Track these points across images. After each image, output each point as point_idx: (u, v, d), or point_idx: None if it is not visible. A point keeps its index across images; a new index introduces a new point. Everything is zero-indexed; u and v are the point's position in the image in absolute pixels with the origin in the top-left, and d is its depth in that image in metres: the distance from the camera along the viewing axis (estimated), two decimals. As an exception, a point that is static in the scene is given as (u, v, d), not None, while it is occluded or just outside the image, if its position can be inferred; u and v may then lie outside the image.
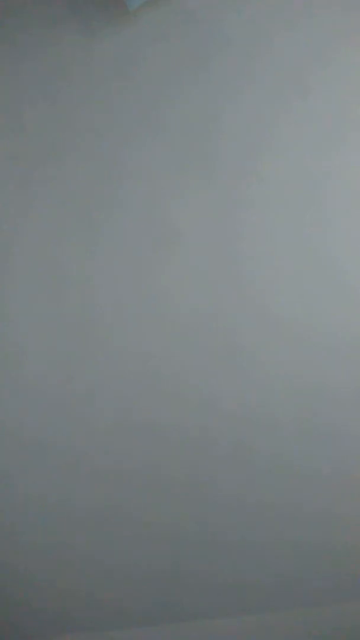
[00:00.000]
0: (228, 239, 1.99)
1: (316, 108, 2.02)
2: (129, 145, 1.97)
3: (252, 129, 2.00)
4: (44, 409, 1.93)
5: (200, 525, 1.97)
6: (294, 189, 2.01)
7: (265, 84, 2.00)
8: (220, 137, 1.99)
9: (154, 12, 1.98)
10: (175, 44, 1.98)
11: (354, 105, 2.03)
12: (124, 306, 1.95)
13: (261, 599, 1.99)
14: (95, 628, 1.94)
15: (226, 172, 1.99)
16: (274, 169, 2.00)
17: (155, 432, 1.95)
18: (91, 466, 1.93)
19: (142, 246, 1.97)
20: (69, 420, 1.93)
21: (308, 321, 2.00)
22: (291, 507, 1.99)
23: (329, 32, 2.02)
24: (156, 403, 1.95)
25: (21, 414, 1.92)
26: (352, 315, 2.02)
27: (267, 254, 2.00)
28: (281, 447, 1.98)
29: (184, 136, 1.98)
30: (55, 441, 1.93)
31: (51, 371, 1.93)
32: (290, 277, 2.00)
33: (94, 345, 1.94)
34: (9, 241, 1.93)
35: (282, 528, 1.99)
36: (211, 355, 1.97)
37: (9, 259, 1.93)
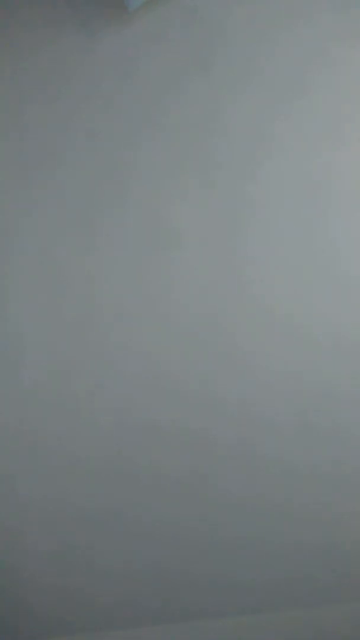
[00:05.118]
0: (228, 239, 1.99)
1: (316, 108, 2.02)
2: (129, 145, 1.97)
3: (252, 129, 2.00)
4: (44, 409, 1.93)
5: (200, 525, 1.97)
6: (294, 189, 2.01)
7: (265, 84, 2.00)
8: (220, 137, 1.99)
9: (154, 12, 1.98)
10: (175, 44, 1.98)
11: (353, 105, 2.03)
12: (124, 306, 1.95)
13: (261, 599, 1.99)
14: (95, 628, 1.94)
15: (226, 172, 1.99)
16: (274, 169, 2.00)
17: (155, 432, 1.95)
18: (91, 466, 1.94)
19: (142, 246, 1.97)
20: (69, 419, 1.93)
21: (309, 321, 2.00)
22: (291, 507, 1.99)
23: (329, 32, 2.02)
24: (156, 402, 1.95)
25: (21, 414, 1.92)
26: (353, 315, 2.02)
27: (267, 253, 2.00)
28: (282, 446, 1.99)
29: (183, 136, 1.98)
30: (55, 441, 1.93)
31: (51, 371, 1.93)
32: (291, 276, 2.00)
33: (94, 345, 1.94)
34: (10, 241, 1.93)
35: (283, 528, 1.99)
36: (211, 354, 1.97)
37: (10, 258, 1.93)
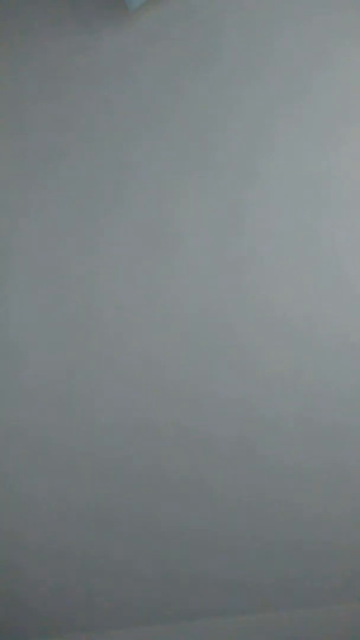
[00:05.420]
0: (229, 239, 1.99)
1: (316, 107, 2.02)
2: (129, 145, 1.97)
3: (252, 129, 2.00)
4: (45, 408, 1.93)
5: (200, 525, 1.97)
6: (295, 189, 2.01)
7: (265, 84, 2.00)
8: (220, 137, 1.99)
9: (154, 12, 1.98)
10: (175, 43, 1.98)
11: (354, 105, 2.03)
12: (124, 306, 1.95)
13: (261, 599, 1.99)
14: (95, 628, 1.94)
15: (226, 172, 1.99)
16: (274, 169, 2.00)
17: (155, 431, 1.95)
18: (91, 465, 1.94)
19: (143, 246, 1.97)
20: (69, 419, 1.93)
21: (309, 321, 2.00)
22: (291, 507, 1.99)
23: (329, 32, 2.02)
24: (156, 402, 1.95)
25: (22, 414, 1.92)
26: (353, 315, 2.02)
27: (267, 253, 2.00)
28: (282, 446, 1.99)
29: (184, 136, 1.98)
30: (55, 440, 1.93)
31: (52, 370, 1.93)
32: (291, 276, 2.00)
33: (94, 344, 1.94)
34: (10, 240, 1.93)
35: (282, 528, 1.99)
36: (212, 354, 1.97)
37: (10, 258, 1.93)
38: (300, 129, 2.01)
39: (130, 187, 1.97)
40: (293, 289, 2.00)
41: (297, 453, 1.99)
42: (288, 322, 2.00)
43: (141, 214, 1.96)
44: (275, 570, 1.99)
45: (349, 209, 2.02)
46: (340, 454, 2.01)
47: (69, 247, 1.95)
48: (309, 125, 2.01)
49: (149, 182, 1.97)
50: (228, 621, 1.97)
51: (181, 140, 1.98)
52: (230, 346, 1.98)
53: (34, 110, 1.94)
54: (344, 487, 2.01)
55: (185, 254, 1.97)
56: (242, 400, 1.97)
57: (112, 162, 1.96)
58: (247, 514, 1.98)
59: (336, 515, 2.00)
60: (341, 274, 2.02)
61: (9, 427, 1.92)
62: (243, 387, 1.98)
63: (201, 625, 1.96)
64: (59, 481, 1.93)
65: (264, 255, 2.00)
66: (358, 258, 2.02)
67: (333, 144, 2.02)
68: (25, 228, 1.94)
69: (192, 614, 1.97)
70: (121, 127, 1.97)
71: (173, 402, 1.96)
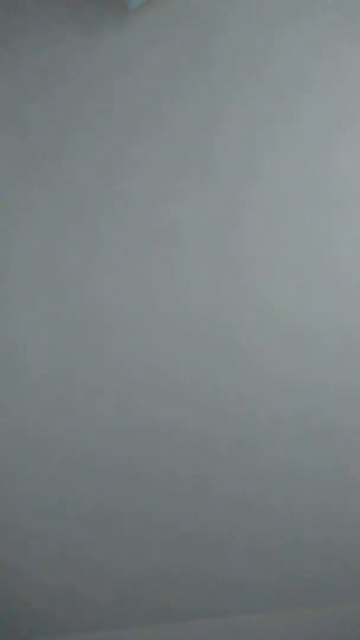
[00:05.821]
0: (228, 239, 1.99)
1: (316, 107, 2.02)
2: (129, 145, 1.97)
3: (252, 129, 2.00)
4: (45, 409, 1.93)
5: (200, 525, 1.97)
6: (294, 188, 2.01)
7: (265, 84, 2.00)
8: (220, 137, 1.99)
9: (154, 12, 1.98)
10: (175, 43, 1.98)
11: (354, 105, 2.03)
12: (124, 306, 1.95)
13: (261, 599, 1.99)
14: (95, 628, 1.94)
15: (226, 172, 1.99)
16: (274, 169, 2.00)
17: (155, 431, 1.95)
18: (91, 465, 1.94)
19: (143, 246, 1.97)
20: (69, 419, 1.93)
21: (308, 320, 2.00)
22: (291, 507, 1.99)
23: (329, 32, 2.02)
24: (156, 402, 1.95)
25: (22, 414, 1.92)
26: (352, 315, 2.02)
27: (267, 253, 2.00)
28: (281, 446, 1.99)
29: (184, 136, 1.98)
30: (55, 441, 1.93)
31: (52, 371, 1.93)
32: (290, 276, 2.00)
33: (95, 344, 1.94)
34: (10, 241, 1.93)
35: (282, 528, 1.99)
36: (211, 354, 1.97)
37: (10, 258, 1.93)
38: (301, 128, 2.01)
39: (130, 186, 1.97)
40: (293, 289, 2.00)
41: (297, 453, 1.99)
42: (288, 323, 2.00)
43: (141, 213, 1.97)
44: (275, 570, 1.99)
45: (349, 209, 2.02)
46: (340, 454, 2.01)
47: (69, 246, 1.95)
48: (309, 124, 2.01)
49: (149, 182, 1.97)
50: (228, 621, 1.97)
51: (181, 140, 1.98)
52: (230, 346, 1.98)
53: (33, 110, 1.94)
54: (344, 487, 2.01)
55: (185, 254, 1.97)
56: (242, 400, 1.98)
57: (111, 161, 1.96)
58: (247, 514, 1.98)
59: (336, 515, 2.00)
60: (341, 274, 2.02)
61: (9, 427, 1.92)
62: (243, 387, 1.98)
63: (201, 625, 1.96)
64: (59, 481, 1.93)
65: (264, 255, 2.00)
66: (358, 258, 2.02)
67: (333, 144, 2.02)
68: (23, 228, 1.94)
69: (192, 614, 1.97)
70: (121, 127, 1.97)
71: (173, 402, 1.96)
